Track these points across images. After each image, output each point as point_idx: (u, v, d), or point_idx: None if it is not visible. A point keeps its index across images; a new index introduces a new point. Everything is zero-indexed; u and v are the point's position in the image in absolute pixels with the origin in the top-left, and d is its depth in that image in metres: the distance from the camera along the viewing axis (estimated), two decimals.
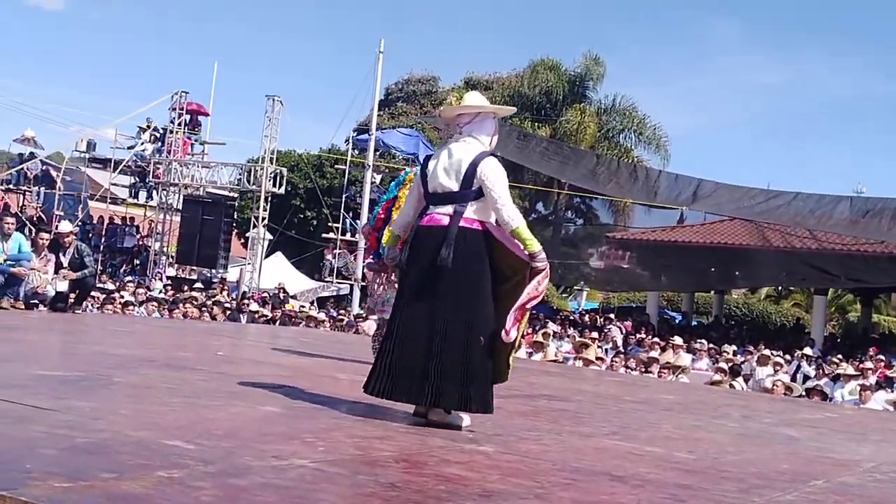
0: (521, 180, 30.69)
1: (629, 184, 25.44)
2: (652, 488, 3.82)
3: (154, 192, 27.38)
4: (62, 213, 26.40)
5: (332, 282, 26.57)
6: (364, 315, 16.63)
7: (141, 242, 27.47)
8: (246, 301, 17.29)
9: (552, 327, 19.48)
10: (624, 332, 21.56)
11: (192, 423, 4.14)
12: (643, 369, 14.49)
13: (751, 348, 19.23)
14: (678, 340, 18.39)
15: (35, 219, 26.05)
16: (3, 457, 3.04)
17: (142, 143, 27.10)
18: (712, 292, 32.18)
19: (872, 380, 13.91)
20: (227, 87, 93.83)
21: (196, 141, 27.43)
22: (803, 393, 12.92)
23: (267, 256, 27.37)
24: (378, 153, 28.25)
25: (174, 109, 25.96)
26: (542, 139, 28.32)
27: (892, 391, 13.47)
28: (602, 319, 24.04)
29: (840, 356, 17.36)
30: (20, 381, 4.94)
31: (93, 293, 13.57)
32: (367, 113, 29.86)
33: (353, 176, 29.33)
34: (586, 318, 25.69)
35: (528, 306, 4.60)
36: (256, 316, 16.39)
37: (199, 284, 21.93)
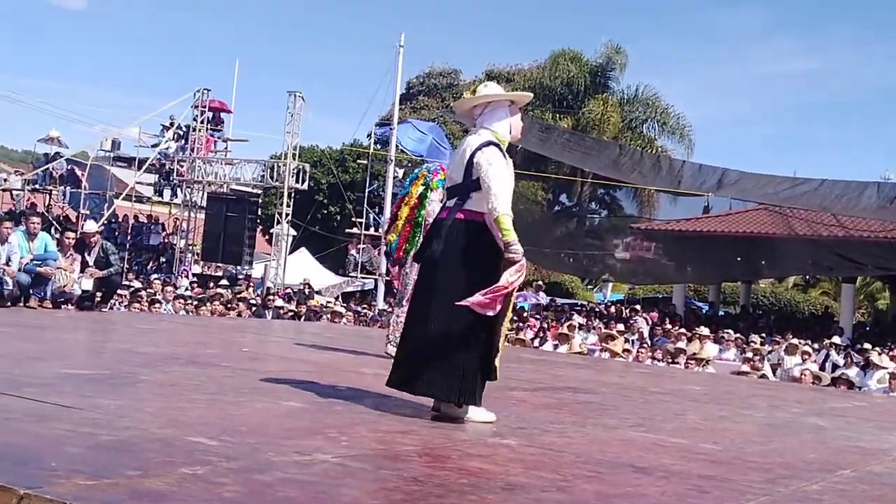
0: (544, 171, 30.62)
1: (652, 173, 25.34)
2: (676, 479, 3.80)
3: (178, 189, 27.54)
4: (88, 212, 26.63)
5: (356, 277, 26.62)
6: (389, 309, 16.63)
7: (166, 240, 27.65)
8: (271, 297, 17.34)
9: (577, 319, 19.41)
10: (650, 322, 21.45)
11: (216, 420, 4.15)
12: (670, 360, 14.43)
13: (778, 338, 19.10)
14: (705, 331, 18.28)
15: (61, 218, 26.30)
16: (27, 455, 3.06)
17: (165, 142, 27.26)
18: (739, 282, 31.95)
19: None
20: (248, 84, 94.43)
21: (219, 138, 27.54)
22: (833, 383, 12.81)
23: (291, 252, 27.46)
24: (399, 147, 28.28)
25: (196, 107, 26.08)
26: (563, 131, 28.24)
27: None
28: (628, 311, 23.93)
29: (869, 345, 17.19)
30: (46, 379, 4.98)
31: (119, 291, 13.66)
32: (388, 107, 29.89)
33: (375, 170, 29.37)
34: (612, 309, 25.59)
35: (497, 294, 4.43)
36: (281, 312, 16.45)
37: (224, 281, 22.04)
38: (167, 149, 27.31)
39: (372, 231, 27.30)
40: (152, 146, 27.92)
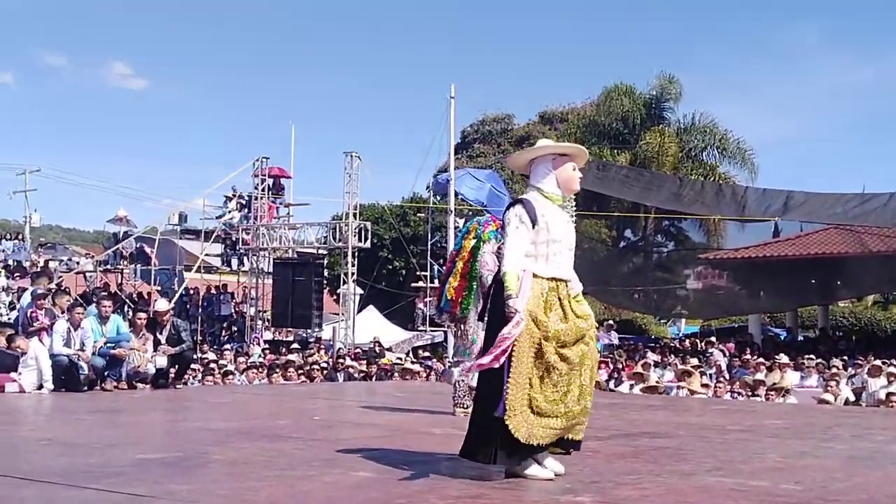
0: (605, 209, 30.42)
1: (716, 202, 25.00)
2: None
3: (245, 258, 27.94)
4: (159, 288, 27.15)
5: (425, 330, 26.64)
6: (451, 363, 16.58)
7: (237, 309, 28.00)
8: (341, 359, 17.42)
9: (651, 357, 19.13)
10: (727, 354, 21.05)
11: (286, 498, 4.17)
12: (750, 393, 14.11)
13: (861, 360, 18.58)
14: (784, 359, 17.88)
15: (134, 295, 26.84)
16: None
17: (229, 212, 27.73)
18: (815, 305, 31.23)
19: None
20: (305, 149, 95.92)
21: (280, 204, 27.91)
22: None
23: (359, 311, 27.60)
24: (459, 197, 28.36)
25: (257, 176, 26.52)
26: (621, 167, 28.07)
27: None
28: (703, 343, 23.50)
29: None
30: (122, 466, 5.05)
31: (192, 366, 13.84)
32: (444, 158, 30.05)
33: (436, 222, 29.50)
34: (687, 343, 25.17)
35: (495, 349, 4.52)
36: (353, 372, 16.51)
37: (295, 345, 22.20)
38: (231, 219, 27.77)
39: (437, 283, 27.32)
40: (217, 217, 28.44)
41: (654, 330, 37.47)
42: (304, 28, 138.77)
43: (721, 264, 28.01)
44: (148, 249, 28.07)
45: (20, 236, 32.67)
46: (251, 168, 26.69)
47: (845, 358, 19.48)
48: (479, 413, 4.77)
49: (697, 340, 25.29)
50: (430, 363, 18.94)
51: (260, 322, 26.25)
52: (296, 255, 26.22)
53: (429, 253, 28.03)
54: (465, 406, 8.19)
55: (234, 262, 28.91)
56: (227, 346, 22.29)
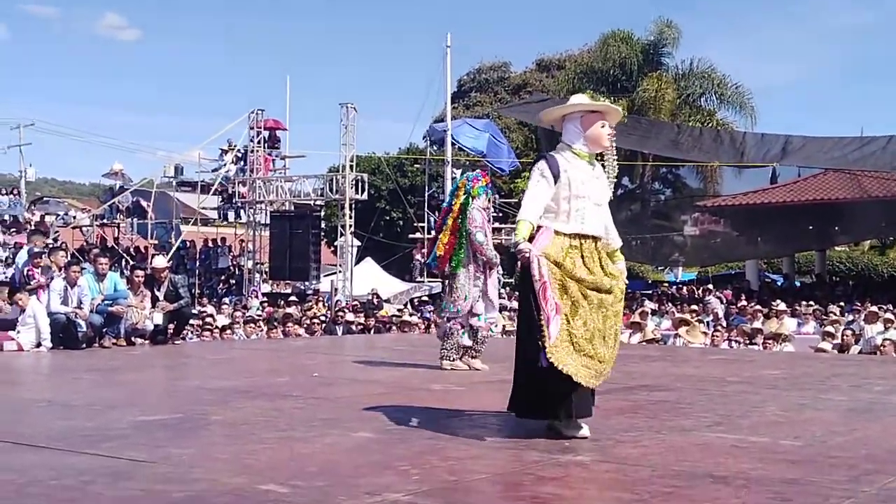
0: (601, 155, 30.26)
1: (714, 148, 24.92)
2: (757, 487, 3.70)
3: (241, 211, 27.88)
4: (156, 242, 27.11)
5: (423, 281, 26.66)
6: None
7: (234, 262, 27.99)
8: (341, 312, 17.43)
9: (649, 305, 19.15)
10: (724, 301, 21.09)
11: (286, 462, 4.16)
12: (747, 341, 14.15)
13: (858, 305, 18.63)
14: (781, 306, 17.94)
15: (131, 250, 26.82)
16: None
17: (225, 165, 27.63)
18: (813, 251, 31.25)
19: None
20: (301, 100, 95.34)
21: (277, 156, 27.80)
22: None
23: (357, 263, 27.60)
24: (456, 147, 28.23)
25: (252, 128, 26.37)
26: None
27: None
28: (700, 291, 23.54)
29: None
30: (121, 429, 5.05)
31: (191, 321, 13.84)
32: (441, 107, 29.86)
33: (433, 172, 29.38)
34: (684, 290, 25.22)
35: (541, 294, 4.49)
36: (352, 326, 16.53)
37: (293, 298, 22.22)
38: (227, 172, 27.67)
39: (434, 234, 27.26)
40: (213, 171, 28.32)
41: (651, 276, 37.53)
42: None
43: (719, 211, 27.98)
44: (144, 203, 28.00)
45: (16, 191, 32.54)
46: (247, 120, 26.53)
47: (842, 304, 19.52)
48: (521, 368, 4.75)
49: (694, 288, 25.34)
50: (428, 315, 18.96)
51: (258, 275, 26.26)
52: (293, 208, 26.15)
53: (426, 204, 27.97)
54: (452, 359, 8.22)
55: (231, 214, 28.85)
56: (226, 300, 22.32)
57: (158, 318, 11.59)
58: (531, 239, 4.62)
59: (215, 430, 5.14)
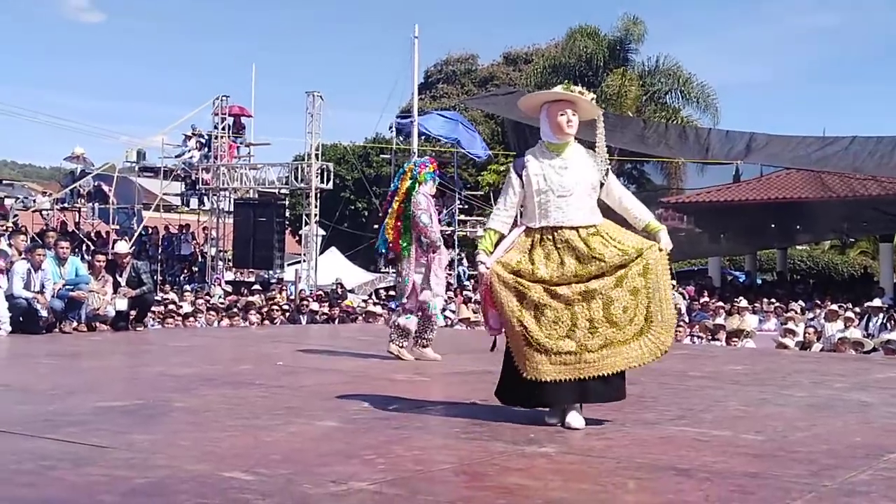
0: None
1: (679, 144, 25.06)
2: (719, 480, 3.72)
3: (205, 197, 27.63)
4: (118, 227, 26.79)
5: (388, 272, 26.61)
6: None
7: (198, 249, 27.75)
8: (304, 301, 17.35)
9: None
10: (687, 298, 21.25)
11: (250, 450, 4.13)
12: (710, 337, 14.28)
13: (818, 303, 18.87)
14: (743, 302, 18.13)
15: (92, 234, 26.49)
16: None
17: (189, 151, 27.34)
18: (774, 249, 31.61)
19: None
20: (267, 88, 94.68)
21: (241, 144, 27.57)
22: (877, 347, 12.60)
23: (322, 252, 27.48)
24: (423, 138, 28.19)
25: (217, 114, 26.14)
26: None
27: None
28: None
29: None
30: (82, 415, 4.99)
31: (153, 308, 13.72)
32: (408, 98, 29.82)
33: (399, 163, 29.29)
34: None
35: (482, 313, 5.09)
36: (316, 315, 16.46)
37: (257, 286, 22.09)
38: (191, 158, 27.38)
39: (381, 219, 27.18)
40: (176, 156, 28.02)
41: None
42: None
43: (682, 207, 28.19)
44: (106, 188, 27.61)
45: None
46: (211, 106, 26.30)
47: (802, 302, 19.78)
48: (506, 358, 4.93)
49: None
50: (392, 304, 18.92)
51: (221, 262, 26.07)
52: (257, 196, 25.97)
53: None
54: (401, 345, 8.25)
55: (195, 201, 28.55)
56: (188, 287, 22.12)
57: (121, 304, 11.48)
58: (498, 244, 4.85)
59: (178, 417, 5.09)
